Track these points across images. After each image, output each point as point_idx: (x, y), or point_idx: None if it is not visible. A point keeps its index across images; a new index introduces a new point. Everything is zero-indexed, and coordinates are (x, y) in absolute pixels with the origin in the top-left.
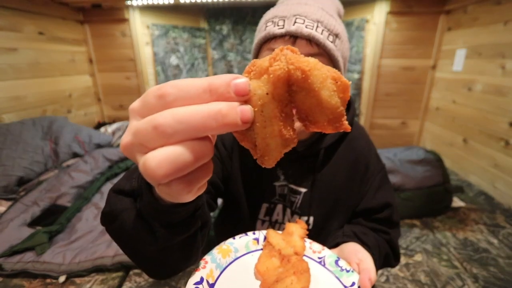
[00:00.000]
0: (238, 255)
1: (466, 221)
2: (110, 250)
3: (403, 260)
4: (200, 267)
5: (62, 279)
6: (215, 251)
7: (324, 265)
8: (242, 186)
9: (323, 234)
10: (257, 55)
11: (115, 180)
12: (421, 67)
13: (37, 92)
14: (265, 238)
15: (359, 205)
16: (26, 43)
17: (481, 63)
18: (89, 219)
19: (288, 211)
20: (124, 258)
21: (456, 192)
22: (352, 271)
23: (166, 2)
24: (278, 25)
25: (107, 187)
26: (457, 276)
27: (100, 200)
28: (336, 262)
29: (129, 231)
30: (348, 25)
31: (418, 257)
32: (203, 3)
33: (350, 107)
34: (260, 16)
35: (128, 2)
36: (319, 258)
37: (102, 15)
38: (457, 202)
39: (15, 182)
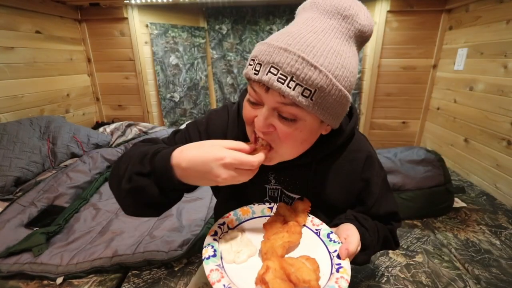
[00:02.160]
0: (255, 216)
1: (468, 221)
2: (108, 251)
3: (403, 260)
4: (224, 216)
5: (59, 280)
6: (238, 209)
7: (318, 236)
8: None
9: None
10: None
11: None
12: (422, 66)
13: (35, 92)
14: (277, 208)
15: (367, 213)
16: (23, 42)
17: (482, 62)
18: (87, 219)
19: None
20: (122, 258)
21: (458, 193)
22: (339, 243)
23: (165, 1)
24: (255, 70)
25: (106, 188)
26: (459, 277)
27: (98, 200)
28: (328, 235)
29: (148, 196)
30: None
31: (419, 258)
32: (203, 2)
33: (353, 115)
34: (260, 16)
35: (127, 1)
36: (316, 229)
37: (100, 14)
38: (458, 203)
39: (12, 182)
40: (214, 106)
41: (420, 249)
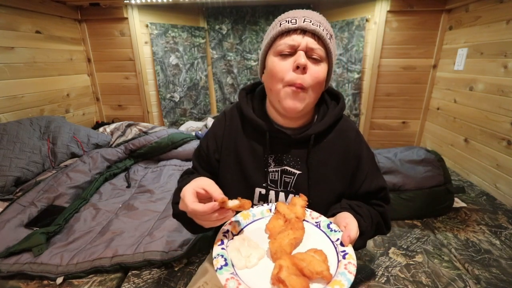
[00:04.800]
0: (255, 218)
1: (468, 221)
2: (108, 251)
3: (403, 261)
4: (227, 223)
5: (59, 280)
6: (239, 215)
7: (319, 227)
8: (232, 170)
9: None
10: (268, 49)
11: (114, 181)
12: (422, 66)
13: (35, 92)
14: (275, 207)
15: (359, 189)
16: (23, 42)
17: (482, 62)
18: (87, 219)
19: (282, 195)
20: (122, 259)
21: (458, 193)
22: (339, 231)
23: (165, 1)
24: (291, 22)
25: (106, 188)
26: (459, 277)
27: (98, 200)
28: (328, 225)
29: (181, 220)
30: (348, 24)
31: (419, 258)
32: (203, 2)
33: (340, 101)
34: (260, 16)
35: (127, 1)
36: (316, 222)
37: (100, 14)
38: (458, 203)
39: (12, 182)
40: (214, 106)
41: (420, 249)
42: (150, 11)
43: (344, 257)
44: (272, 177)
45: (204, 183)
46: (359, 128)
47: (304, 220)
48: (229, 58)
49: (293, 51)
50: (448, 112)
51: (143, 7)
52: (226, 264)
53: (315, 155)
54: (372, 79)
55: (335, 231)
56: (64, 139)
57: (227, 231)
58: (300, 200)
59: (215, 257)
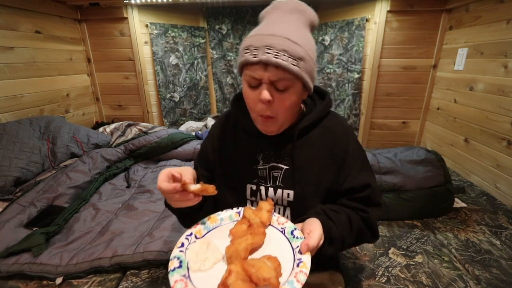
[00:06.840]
0: (223, 223)
1: (468, 222)
2: (108, 251)
3: (403, 261)
4: (192, 227)
5: (59, 280)
6: (206, 218)
7: (283, 233)
8: (225, 169)
9: (302, 207)
10: (241, 74)
11: (114, 181)
12: (422, 66)
13: (34, 92)
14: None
15: (343, 185)
16: (23, 42)
17: (483, 62)
18: (87, 220)
19: (271, 190)
20: (122, 259)
21: (458, 193)
22: (301, 238)
23: (165, 1)
24: (253, 54)
25: (105, 188)
26: (459, 277)
27: (98, 200)
28: (292, 232)
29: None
30: (348, 24)
31: (419, 258)
32: (203, 2)
33: (325, 98)
34: None
35: (127, 1)
36: (281, 228)
37: (100, 13)
38: (458, 203)
39: (11, 182)
40: (214, 106)
41: (420, 250)
42: (150, 11)
43: (298, 265)
44: (261, 174)
45: (182, 169)
46: (359, 128)
47: (270, 224)
48: (229, 58)
49: (258, 83)
50: (448, 112)
51: (143, 7)
52: (180, 266)
53: (300, 150)
54: (372, 79)
55: (297, 237)
56: (63, 139)
57: (190, 234)
58: (266, 205)
59: (171, 259)
